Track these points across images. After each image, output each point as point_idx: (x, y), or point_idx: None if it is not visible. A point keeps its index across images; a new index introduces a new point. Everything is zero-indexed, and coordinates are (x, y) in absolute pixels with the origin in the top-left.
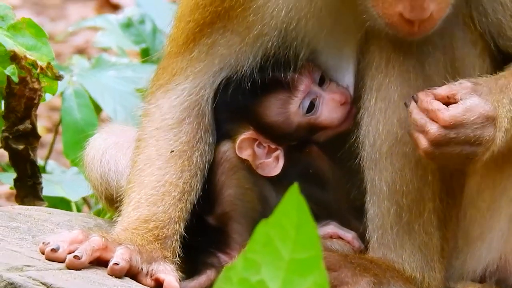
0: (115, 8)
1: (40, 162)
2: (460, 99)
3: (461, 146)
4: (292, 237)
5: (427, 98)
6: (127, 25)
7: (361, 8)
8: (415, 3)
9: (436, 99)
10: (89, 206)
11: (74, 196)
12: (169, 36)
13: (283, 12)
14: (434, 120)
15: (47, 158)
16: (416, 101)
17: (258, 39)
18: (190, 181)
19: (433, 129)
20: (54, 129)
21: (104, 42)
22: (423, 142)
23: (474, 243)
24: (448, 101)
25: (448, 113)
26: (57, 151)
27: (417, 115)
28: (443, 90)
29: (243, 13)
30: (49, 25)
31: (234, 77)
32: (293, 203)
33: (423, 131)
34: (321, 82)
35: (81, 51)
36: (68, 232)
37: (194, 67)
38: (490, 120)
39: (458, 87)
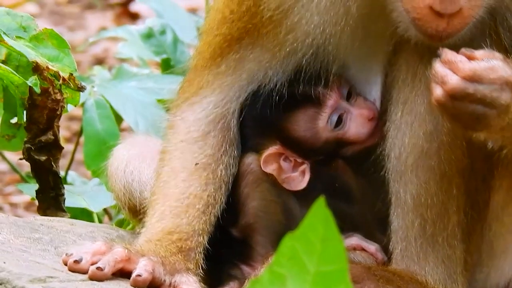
0: (134, 17)
1: (60, 172)
2: (485, 59)
3: (474, 105)
4: (318, 250)
5: (452, 52)
6: (148, 35)
7: (390, 8)
8: None
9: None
10: (110, 217)
11: (95, 207)
12: (196, 49)
13: (319, 28)
14: (454, 72)
15: (68, 168)
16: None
17: (290, 55)
18: (214, 194)
19: (453, 79)
20: (76, 140)
21: (125, 53)
22: (439, 92)
23: (498, 257)
24: None
25: (469, 65)
26: (76, 161)
27: (439, 67)
28: (477, 52)
29: (274, 30)
30: (67, 35)
31: (262, 91)
32: (319, 216)
33: (442, 82)
34: (349, 97)
35: (100, 61)
36: (91, 243)
37: (221, 81)
38: (510, 85)
39: (490, 52)
